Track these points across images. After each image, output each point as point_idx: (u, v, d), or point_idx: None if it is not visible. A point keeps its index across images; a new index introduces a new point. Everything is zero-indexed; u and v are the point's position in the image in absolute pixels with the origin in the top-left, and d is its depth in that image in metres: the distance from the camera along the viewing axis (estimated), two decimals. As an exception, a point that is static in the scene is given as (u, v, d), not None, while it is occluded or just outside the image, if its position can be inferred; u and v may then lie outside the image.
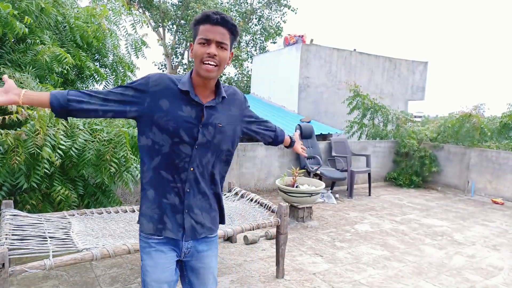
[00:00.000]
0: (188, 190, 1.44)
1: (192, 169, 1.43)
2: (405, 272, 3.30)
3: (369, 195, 6.51)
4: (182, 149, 1.40)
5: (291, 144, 2.00)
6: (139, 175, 3.64)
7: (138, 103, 1.40)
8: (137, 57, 4.66)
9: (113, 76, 4.53)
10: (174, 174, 1.43)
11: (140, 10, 15.81)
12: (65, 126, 2.89)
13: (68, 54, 3.49)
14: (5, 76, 1.38)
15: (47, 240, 2.27)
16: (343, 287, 2.96)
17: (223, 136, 1.47)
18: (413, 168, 7.34)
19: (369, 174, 6.52)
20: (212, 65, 1.35)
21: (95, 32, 4.01)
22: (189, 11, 15.05)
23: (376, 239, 4.20)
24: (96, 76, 4.29)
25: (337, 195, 6.28)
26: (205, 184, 1.49)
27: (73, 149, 2.81)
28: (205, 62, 1.34)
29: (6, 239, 2.14)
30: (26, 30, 3.14)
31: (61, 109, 1.36)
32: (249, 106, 1.66)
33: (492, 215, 5.46)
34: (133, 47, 4.60)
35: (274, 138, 1.83)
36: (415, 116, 11.25)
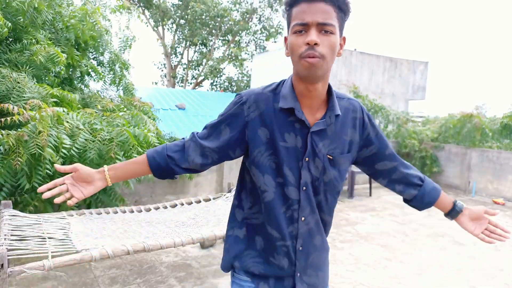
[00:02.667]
0: (300, 248, 1.11)
1: (303, 219, 1.10)
2: (406, 273, 3.29)
3: (370, 195, 6.50)
4: (288, 193, 1.08)
5: (452, 213, 1.23)
6: None
7: (238, 140, 1.09)
8: (128, 54, 4.67)
9: (111, 74, 4.51)
10: (281, 228, 1.09)
11: (140, 9, 15.80)
12: (66, 127, 2.87)
13: (63, 54, 3.47)
14: (61, 167, 1.09)
15: (46, 241, 2.25)
16: (344, 288, 2.95)
17: (337, 172, 1.11)
18: (413, 168, 7.34)
19: (369, 174, 6.51)
20: (315, 58, 0.95)
21: (90, 30, 4.00)
22: (189, 11, 15.04)
23: (377, 239, 4.18)
24: (93, 75, 4.27)
25: (337, 195, 6.27)
26: (322, 237, 1.16)
27: (74, 148, 2.80)
28: (304, 56, 0.96)
29: (5, 240, 2.13)
30: (6, 29, 3.10)
31: (164, 173, 1.14)
32: (374, 127, 1.17)
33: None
34: (125, 43, 4.59)
35: (415, 197, 1.22)
36: (416, 116, 11.25)
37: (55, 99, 3.23)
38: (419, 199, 1.21)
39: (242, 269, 1.16)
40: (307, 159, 1.06)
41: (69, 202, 1.07)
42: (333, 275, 3.17)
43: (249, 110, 1.08)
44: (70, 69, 4.09)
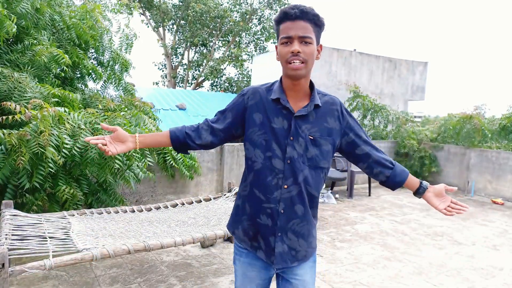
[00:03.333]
0: (282, 211, 1.34)
1: (286, 186, 1.32)
2: (405, 272, 3.30)
3: (369, 195, 6.51)
4: (274, 164, 1.33)
5: (420, 190, 1.43)
6: (140, 173, 3.64)
7: (239, 122, 1.42)
8: (129, 53, 4.66)
9: (111, 74, 4.51)
10: (267, 193, 1.34)
11: (140, 10, 15.81)
12: (68, 127, 2.88)
13: (66, 54, 3.49)
14: (105, 125, 1.38)
15: (47, 240, 2.27)
16: (343, 287, 2.96)
17: (319, 150, 1.34)
18: (413, 168, 7.34)
19: (369, 174, 6.52)
20: (298, 62, 1.25)
21: (91, 29, 4.01)
22: (189, 11, 15.05)
23: (376, 239, 4.19)
24: (93, 75, 4.28)
25: (337, 195, 6.28)
26: (303, 206, 1.35)
27: (75, 148, 2.81)
28: (289, 62, 1.26)
29: (6, 239, 2.14)
30: (15, 28, 3.13)
31: (182, 146, 1.44)
32: (352, 118, 1.42)
33: (492, 215, 5.46)
34: (126, 43, 4.58)
35: (389, 178, 1.44)
36: (415, 116, 11.25)
37: (56, 99, 3.25)
38: (392, 178, 1.44)
39: (237, 238, 1.47)
40: (291, 138, 1.32)
41: (107, 150, 1.34)
42: (333, 275, 3.18)
43: (248, 99, 1.40)
44: (73, 69, 4.11)
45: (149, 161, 3.44)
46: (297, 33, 1.24)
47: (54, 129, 2.74)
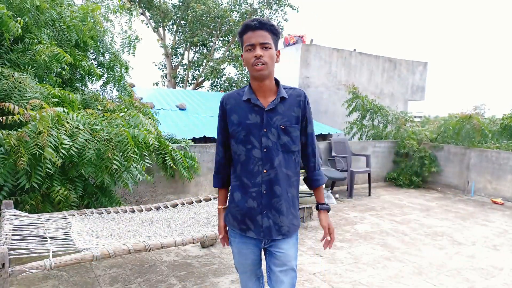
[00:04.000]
0: (264, 192, 1.58)
1: (265, 171, 1.57)
2: (405, 272, 3.30)
3: (369, 195, 6.51)
4: (254, 154, 1.57)
5: (317, 206, 1.77)
6: (138, 175, 3.62)
7: (226, 125, 1.67)
8: (133, 56, 4.64)
9: (111, 75, 4.49)
10: (251, 179, 1.59)
11: (140, 10, 15.80)
12: (67, 127, 2.87)
13: (67, 55, 3.48)
14: (222, 241, 1.84)
15: (47, 240, 2.27)
16: (343, 287, 2.96)
17: (289, 137, 1.59)
18: (413, 168, 7.34)
19: (369, 174, 6.52)
20: (261, 64, 1.49)
21: (91, 30, 4.00)
22: (189, 11, 15.05)
23: (376, 239, 4.20)
24: (93, 75, 4.27)
25: (337, 195, 6.28)
26: (280, 187, 1.59)
27: (73, 148, 2.81)
28: (254, 64, 1.50)
29: (6, 239, 2.14)
30: (20, 30, 3.13)
31: (224, 183, 1.79)
32: (310, 110, 1.67)
33: (492, 215, 5.46)
34: (128, 44, 4.57)
35: (306, 179, 1.76)
36: (415, 116, 11.24)
37: (56, 99, 3.24)
38: (308, 181, 1.76)
39: (229, 223, 1.73)
40: (265, 129, 1.56)
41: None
42: (333, 275, 3.18)
43: (226, 105, 1.66)
44: (74, 69, 4.10)
45: (148, 162, 3.43)
46: (258, 40, 1.49)
47: (53, 129, 2.73)
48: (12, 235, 2.25)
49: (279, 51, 1.59)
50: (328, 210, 1.75)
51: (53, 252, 2.12)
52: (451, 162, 7.10)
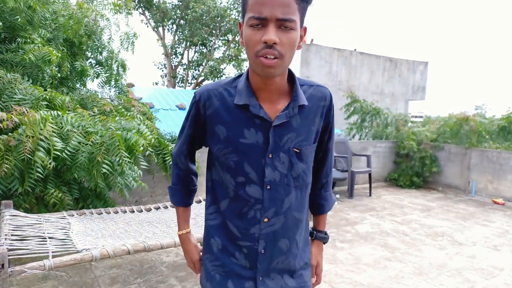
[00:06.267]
0: (262, 252, 1.03)
1: (266, 220, 1.01)
2: (406, 273, 3.29)
3: (370, 195, 6.50)
4: (249, 192, 1.00)
5: (312, 235, 1.23)
6: (132, 181, 3.48)
7: (201, 137, 1.08)
8: (133, 52, 4.61)
9: (109, 73, 4.45)
10: (242, 228, 1.02)
11: (140, 10, 15.80)
12: (55, 130, 2.78)
13: (58, 53, 3.41)
14: (196, 273, 1.23)
15: (46, 241, 2.26)
16: (344, 288, 2.96)
17: (306, 165, 1.04)
18: (413, 168, 7.33)
19: (369, 175, 6.51)
20: (273, 57, 0.87)
21: (86, 28, 3.95)
22: (189, 11, 15.04)
23: (377, 239, 4.19)
24: (86, 75, 4.22)
25: (337, 196, 6.27)
26: (289, 239, 1.05)
27: (66, 151, 2.73)
28: (261, 55, 0.88)
29: (5, 240, 2.14)
30: (1, 24, 3.07)
31: (188, 200, 1.29)
32: (333, 117, 1.12)
33: (492, 215, 5.45)
34: (127, 40, 4.53)
35: (315, 201, 1.22)
36: (416, 116, 11.24)
37: (46, 102, 3.15)
38: (313, 204, 1.23)
39: (204, 276, 1.14)
40: (270, 155, 0.98)
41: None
42: (333, 275, 3.18)
43: (204, 108, 1.02)
44: (67, 69, 4.07)
45: (143, 165, 3.35)
46: (275, 13, 0.84)
47: (44, 132, 2.63)
48: (12, 235, 2.24)
49: (305, 29, 0.94)
50: (325, 242, 1.22)
51: (52, 252, 2.11)
52: (451, 162, 7.10)
